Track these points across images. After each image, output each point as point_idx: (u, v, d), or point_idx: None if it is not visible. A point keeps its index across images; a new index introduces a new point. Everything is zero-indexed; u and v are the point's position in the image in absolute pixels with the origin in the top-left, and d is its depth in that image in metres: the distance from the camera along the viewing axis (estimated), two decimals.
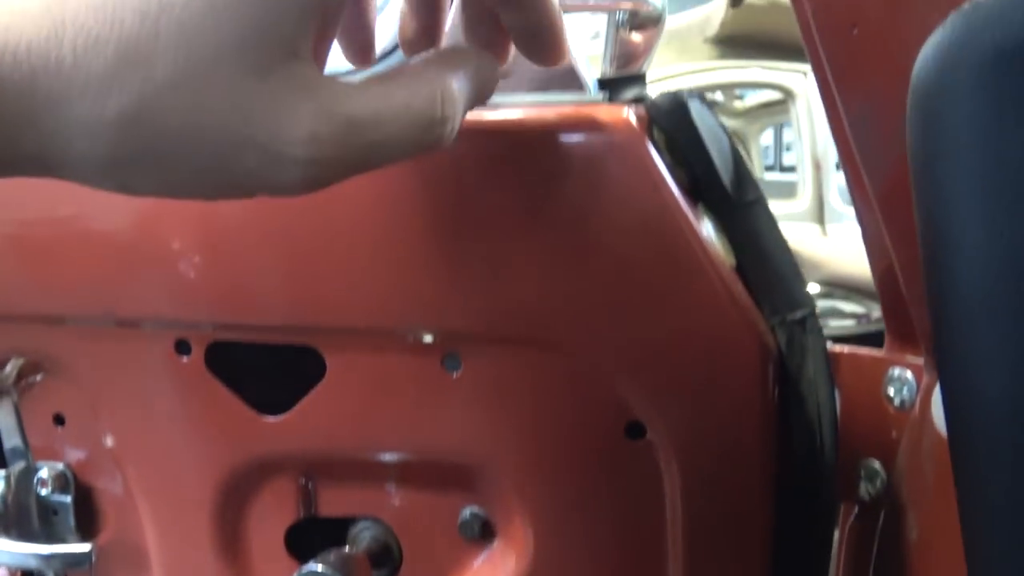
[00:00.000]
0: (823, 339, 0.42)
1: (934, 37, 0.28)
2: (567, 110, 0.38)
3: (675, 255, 0.38)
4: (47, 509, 0.55)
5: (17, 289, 0.47)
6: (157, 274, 0.44)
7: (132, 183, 0.28)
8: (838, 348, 0.45)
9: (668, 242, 0.38)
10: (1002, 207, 0.28)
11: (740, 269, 0.41)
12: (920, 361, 0.42)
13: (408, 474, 0.47)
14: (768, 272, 0.41)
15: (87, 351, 0.49)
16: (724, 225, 0.41)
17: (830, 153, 2.35)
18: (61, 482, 0.54)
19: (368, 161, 0.29)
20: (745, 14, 2.43)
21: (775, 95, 2.79)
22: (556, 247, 0.39)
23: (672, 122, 0.39)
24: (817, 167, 2.40)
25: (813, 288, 2.07)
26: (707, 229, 0.40)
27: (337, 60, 0.34)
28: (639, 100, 0.40)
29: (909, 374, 0.42)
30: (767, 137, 4.19)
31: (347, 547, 0.48)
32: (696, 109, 0.39)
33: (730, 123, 3.34)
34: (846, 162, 0.39)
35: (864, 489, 0.45)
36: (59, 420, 0.53)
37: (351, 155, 0.28)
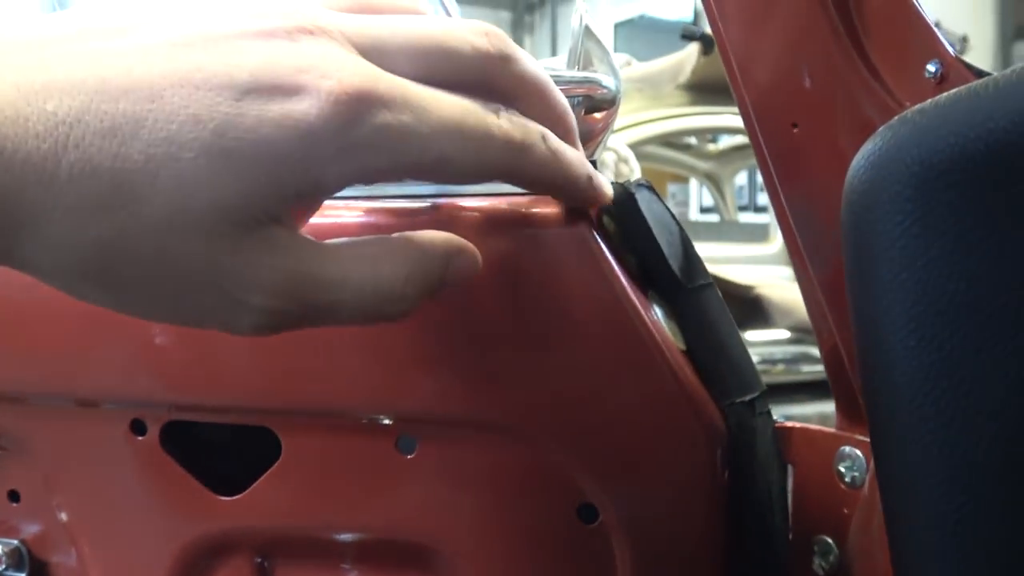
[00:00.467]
0: (772, 420, 0.43)
1: (865, 148, 0.29)
2: (518, 200, 0.39)
3: (624, 341, 0.39)
4: None
5: None
6: (114, 354, 0.45)
7: (88, 294, 0.28)
8: (790, 424, 0.46)
9: (617, 329, 0.39)
10: (931, 314, 0.29)
11: (690, 353, 0.41)
12: (868, 440, 0.42)
13: (364, 554, 0.47)
14: (718, 355, 0.42)
15: (43, 429, 0.49)
16: (674, 310, 0.42)
17: None
18: (15, 558, 0.53)
19: (322, 319, 0.30)
20: (716, 61, 2.46)
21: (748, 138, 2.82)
22: (508, 334, 0.39)
23: (621, 212, 0.39)
24: None
25: (783, 334, 2.09)
26: (657, 315, 0.40)
27: None
28: None
29: (859, 452, 0.43)
30: (741, 177, 4.24)
31: None
32: (644, 199, 0.40)
33: (704, 165, 3.38)
34: (791, 250, 0.40)
35: (818, 564, 0.45)
36: (14, 497, 0.53)
37: (307, 311, 0.29)
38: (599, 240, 0.38)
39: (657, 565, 0.42)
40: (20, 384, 0.47)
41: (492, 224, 0.38)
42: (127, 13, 0.28)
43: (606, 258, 0.38)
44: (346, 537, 0.46)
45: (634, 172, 2.22)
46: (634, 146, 2.39)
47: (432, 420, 0.42)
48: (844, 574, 0.44)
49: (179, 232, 0.26)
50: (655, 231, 0.40)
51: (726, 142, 3.47)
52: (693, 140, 3.30)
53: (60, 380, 0.46)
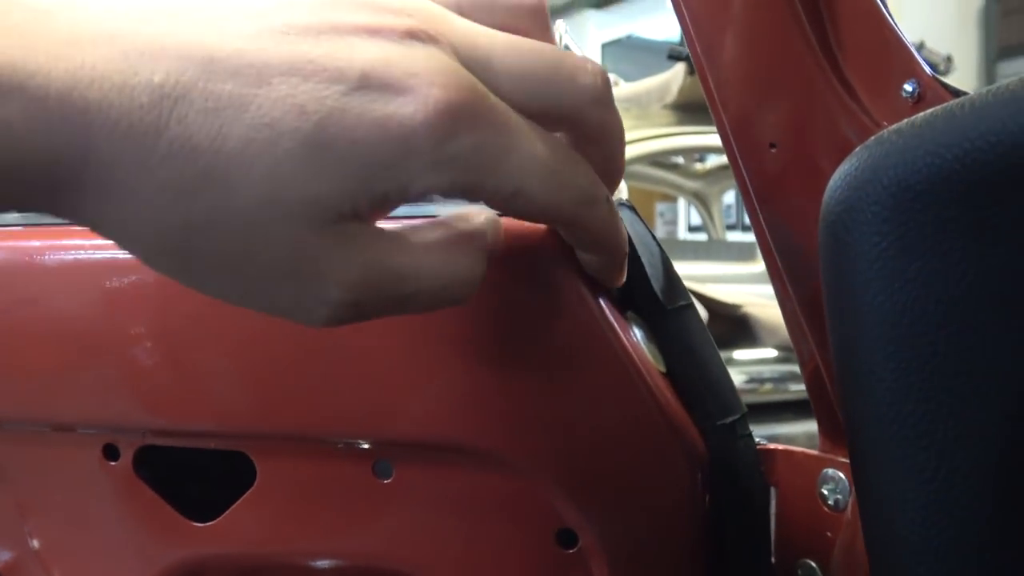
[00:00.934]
0: (754, 442, 0.42)
1: (842, 169, 0.29)
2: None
3: (603, 363, 0.38)
4: None
5: None
6: (87, 378, 0.44)
7: (165, 268, 0.28)
8: (772, 446, 0.46)
9: (596, 351, 0.38)
10: (909, 336, 0.28)
11: (670, 375, 0.41)
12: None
13: None
14: (699, 377, 0.41)
15: (15, 454, 0.48)
16: (655, 331, 0.41)
17: None
18: None
19: (396, 311, 0.30)
20: None
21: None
22: (484, 357, 0.39)
23: None
24: None
25: (771, 353, 2.09)
26: (637, 336, 0.40)
27: None
28: None
29: (842, 475, 0.43)
30: (729, 196, 4.25)
31: None
32: (627, 218, 0.40)
33: (692, 184, 3.39)
34: (771, 271, 0.39)
35: None
36: None
37: (383, 304, 0.29)
38: (577, 261, 0.38)
39: None
40: None
41: None
42: None
43: (584, 279, 0.38)
44: (322, 564, 0.45)
45: (622, 191, 2.23)
46: None
47: (408, 444, 0.41)
48: None
49: (268, 221, 0.26)
50: (637, 249, 0.39)
51: (713, 161, 3.49)
52: (680, 159, 3.31)
53: (32, 405, 0.46)
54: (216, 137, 0.25)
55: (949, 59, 3.42)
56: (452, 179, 0.28)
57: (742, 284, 2.28)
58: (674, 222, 6.30)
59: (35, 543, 0.50)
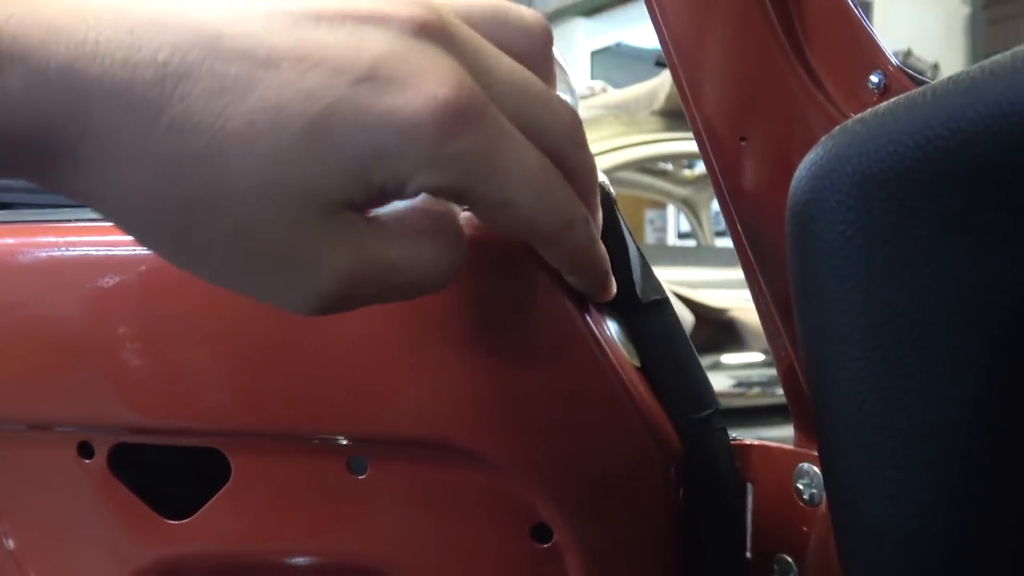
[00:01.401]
0: (728, 436, 0.43)
1: (807, 159, 0.29)
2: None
3: (575, 358, 0.38)
4: None
5: None
6: (60, 376, 0.44)
7: (157, 247, 0.28)
8: (748, 441, 0.46)
9: (567, 345, 0.38)
10: (875, 324, 0.28)
11: (645, 369, 0.41)
12: None
13: None
14: (673, 371, 0.41)
15: None
16: (629, 326, 0.41)
17: None
18: None
19: (381, 299, 0.30)
20: None
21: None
22: (458, 351, 0.39)
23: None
24: None
25: (758, 356, 2.09)
26: (611, 331, 0.40)
27: None
28: None
29: (817, 469, 0.43)
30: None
31: None
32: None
33: (680, 191, 3.40)
34: (745, 267, 0.39)
35: None
36: None
37: (371, 294, 0.29)
38: None
39: None
40: None
41: None
42: None
43: (557, 273, 0.38)
44: (298, 561, 0.45)
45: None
46: (610, 172, 2.40)
47: (383, 441, 0.41)
48: None
49: (265, 204, 0.26)
50: (610, 243, 0.39)
51: (701, 168, 3.49)
52: (669, 166, 3.32)
53: (6, 403, 0.45)
54: (219, 117, 0.25)
55: (936, 67, 3.45)
56: (448, 179, 0.28)
57: (731, 289, 2.29)
58: (664, 229, 6.31)
59: (10, 543, 0.50)
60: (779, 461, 0.44)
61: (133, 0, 0.26)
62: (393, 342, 0.39)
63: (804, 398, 0.42)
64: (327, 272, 0.28)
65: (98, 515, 0.47)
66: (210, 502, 0.44)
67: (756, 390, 1.98)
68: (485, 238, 0.38)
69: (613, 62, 7.00)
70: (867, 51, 0.33)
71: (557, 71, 0.40)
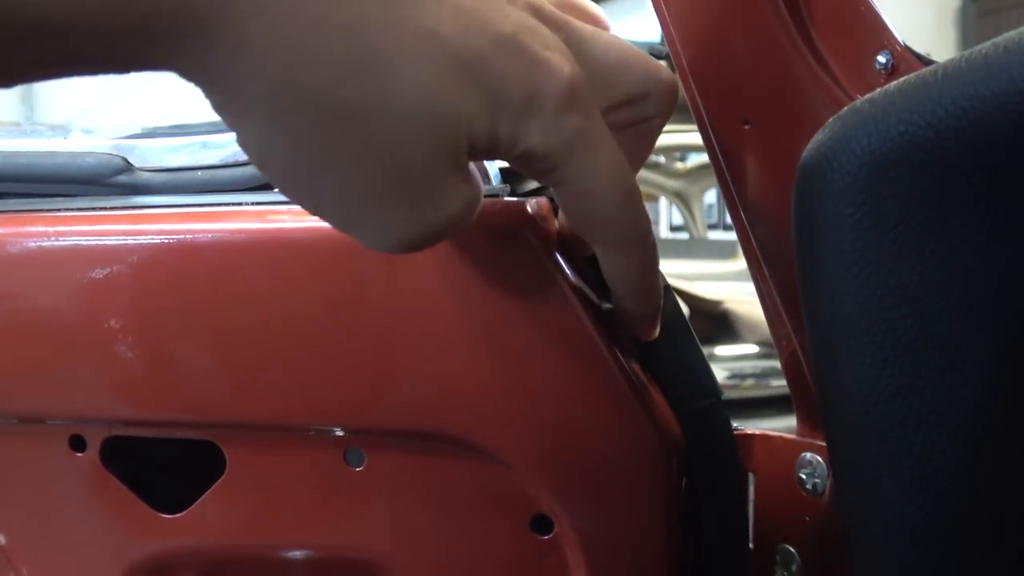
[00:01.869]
0: (730, 426, 0.42)
1: (815, 139, 0.29)
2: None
3: (576, 348, 0.38)
4: None
5: None
6: (52, 369, 0.43)
7: (285, 138, 0.26)
8: (750, 431, 0.45)
9: (569, 335, 0.38)
10: (883, 308, 0.28)
11: (646, 359, 0.40)
12: None
13: (313, 571, 0.45)
14: (674, 361, 0.41)
15: None
16: None
17: None
18: None
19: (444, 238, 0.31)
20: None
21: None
22: (457, 341, 0.38)
23: None
24: None
25: (752, 348, 2.09)
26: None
27: None
28: (541, 191, 0.40)
29: (819, 458, 0.42)
30: (710, 195, 4.27)
31: None
32: None
33: (673, 184, 3.40)
34: (747, 254, 0.39)
35: (780, 574, 0.44)
36: None
37: (447, 235, 0.30)
38: (549, 242, 0.37)
39: None
40: None
41: None
42: None
43: (555, 261, 0.37)
44: (295, 554, 0.44)
45: None
46: None
47: (379, 432, 0.40)
48: None
49: (420, 127, 0.26)
50: None
51: (694, 160, 3.49)
52: (662, 159, 3.32)
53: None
54: (389, 27, 0.25)
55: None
56: (548, 149, 0.29)
57: (724, 282, 2.29)
58: (656, 222, 6.31)
59: (1, 538, 0.49)
60: (781, 451, 0.43)
61: None
62: (390, 332, 0.39)
63: (807, 387, 0.42)
64: (444, 211, 0.28)
65: (91, 510, 0.46)
66: (205, 495, 0.44)
67: (750, 382, 1.98)
68: (487, 231, 0.37)
69: None
70: (874, 31, 0.32)
71: None
